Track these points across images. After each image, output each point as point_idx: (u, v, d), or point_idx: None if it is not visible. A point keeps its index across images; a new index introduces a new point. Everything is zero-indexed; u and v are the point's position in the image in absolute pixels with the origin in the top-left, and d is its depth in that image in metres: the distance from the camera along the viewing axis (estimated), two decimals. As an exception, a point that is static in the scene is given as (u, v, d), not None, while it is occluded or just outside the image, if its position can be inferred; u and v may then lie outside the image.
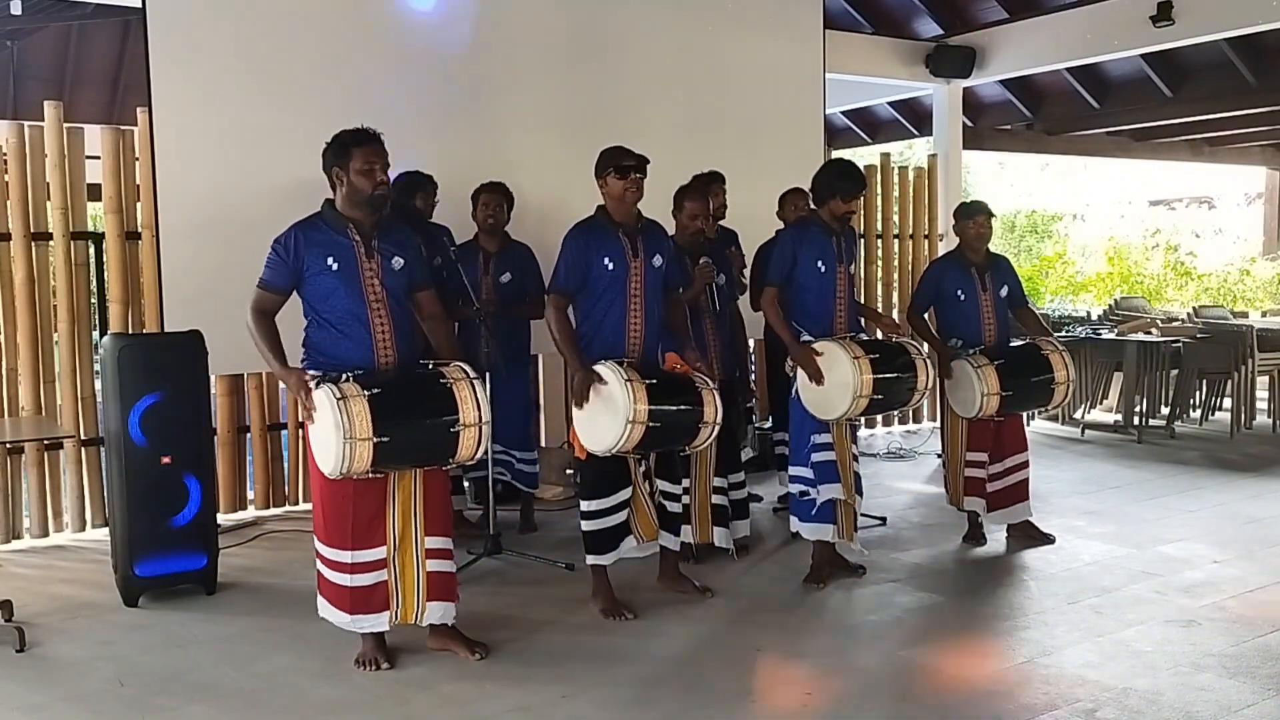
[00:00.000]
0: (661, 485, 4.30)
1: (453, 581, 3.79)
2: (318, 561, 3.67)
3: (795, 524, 4.71)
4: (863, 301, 5.13)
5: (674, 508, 4.35)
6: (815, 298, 4.56)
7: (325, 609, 3.69)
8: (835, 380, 4.41)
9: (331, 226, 3.60)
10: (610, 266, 4.11)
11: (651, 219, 4.29)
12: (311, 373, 3.56)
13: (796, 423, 4.65)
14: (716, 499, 4.85)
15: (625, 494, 4.18)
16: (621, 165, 4.11)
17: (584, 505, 4.20)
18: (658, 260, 4.21)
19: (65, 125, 5.40)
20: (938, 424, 6.61)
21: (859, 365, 4.33)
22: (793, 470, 4.70)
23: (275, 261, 3.58)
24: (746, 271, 5.61)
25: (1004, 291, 5.18)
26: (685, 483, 4.57)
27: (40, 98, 5.98)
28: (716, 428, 4.13)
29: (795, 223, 4.75)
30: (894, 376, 4.45)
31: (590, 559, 4.22)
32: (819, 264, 4.53)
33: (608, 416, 3.96)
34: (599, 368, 4.02)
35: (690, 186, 4.91)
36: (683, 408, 4.06)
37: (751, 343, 6.72)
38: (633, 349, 4.14)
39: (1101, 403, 9.04)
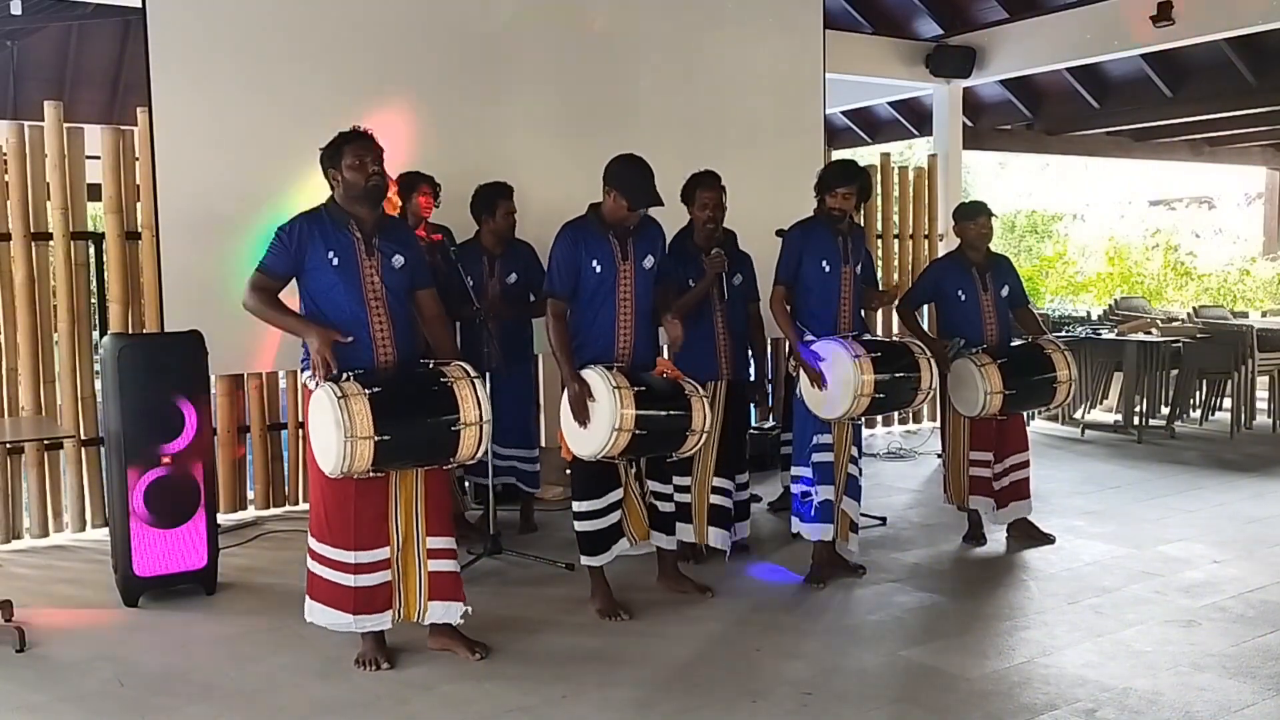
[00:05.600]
0: (651, 485, 4.30)
1: (457, 580, 3.78)
2: (313, 563, 3.64)
3: (796, 524, 4.70)
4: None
5: (665, 507, 4.35)
6: (819, 298, 4.55)
7: (319, 612, 3.63)
8: (837, 379, 4.41)
9: (334, 221, 3.60)
10: (598, 269, 4.05)
11: (646, 215, 4.17)
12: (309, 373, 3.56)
13: (799, 422, 4.65)
14: (716, 499, 4.83)
15: (616, 495, 4.18)
16: (635, 201, 3.98)
17: (576, 506, 4.20)
18: (648, 262, 4.15)
19: (65, 125, 5.40)
20: (938, 424, 6.61)
21: (860, 364, 4.33)
22: (795, 470, 4.70)
23: (277, 248, 3.58)
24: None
25: (1005, 291, 5.18)
26: (677, 480, 4.55)
27: (40, 98, 5.98)
28: (704, 435, 4.12)
29: (801, 223, 4.75)
30: (899, 376, 4.45)
31: (585, 560, 4.22)
32: (824, 264, 4.52)
33: (594, 423, 3.94)
34: (587, 372, 3.99)
35: (703, 174, 4.72)
36: (671, 414, 4.03)
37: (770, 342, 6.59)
38: (623, 353, 4.10)
39: (1101, 403, 9.04)
